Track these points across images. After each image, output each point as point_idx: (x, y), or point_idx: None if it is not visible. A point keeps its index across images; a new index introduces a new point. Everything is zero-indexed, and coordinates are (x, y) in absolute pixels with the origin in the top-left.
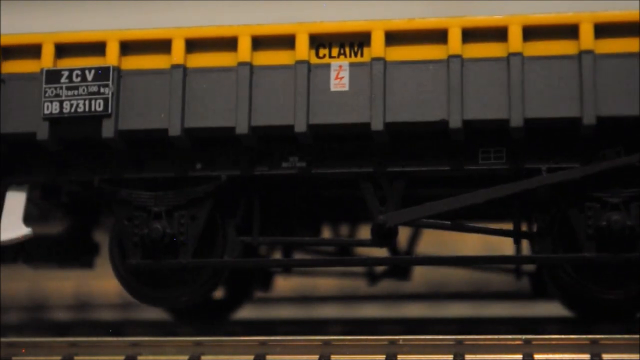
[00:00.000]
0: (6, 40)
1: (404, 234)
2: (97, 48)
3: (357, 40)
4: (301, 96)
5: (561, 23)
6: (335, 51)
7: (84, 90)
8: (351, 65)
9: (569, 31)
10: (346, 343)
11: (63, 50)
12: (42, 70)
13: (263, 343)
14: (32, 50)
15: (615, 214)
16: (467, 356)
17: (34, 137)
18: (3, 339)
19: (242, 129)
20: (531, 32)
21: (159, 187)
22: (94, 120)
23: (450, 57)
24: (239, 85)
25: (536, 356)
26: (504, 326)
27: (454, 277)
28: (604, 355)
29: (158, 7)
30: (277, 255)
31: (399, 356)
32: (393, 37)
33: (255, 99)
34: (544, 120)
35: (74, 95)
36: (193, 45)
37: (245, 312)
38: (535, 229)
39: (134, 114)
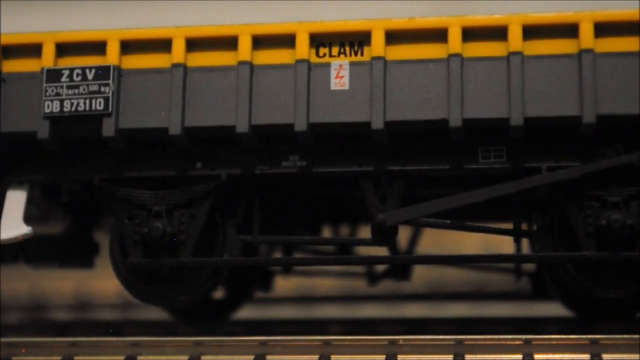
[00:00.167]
0: (7, 40)
1: (404, 234)
2: (98, 47)
3: (358, 40)
4: (301, 95)
5: (561, 22)
6: (335, 50)
7: (84, 89)
8: (351, 64)
9: (569, 30)
10: (346, 343)
11: (63, 49)
12: (42, 69)
13: (263, 343)
14: (33, 50)
15: (615, 213)
16: (467, 356)
17: (35, 136)
18: (3, 339)
19: (242, 127)
20: (531, 31)
21: (159, 186)
22: (94, 119)
23: (451, 56)
24: (239, 84)
25: (536, 356)
26: (504, 326)
27: (454, 278)
28: (604, 355)
29: (158, 7)
30: (277, 255)
31: (399, 356)
32: (393, 37)
33: (256, 98)
34: (544, 119)
35: (74, 94)
36: (193, 44)
37: (246, 312)
38: (535, 228)
39: (134, 113)
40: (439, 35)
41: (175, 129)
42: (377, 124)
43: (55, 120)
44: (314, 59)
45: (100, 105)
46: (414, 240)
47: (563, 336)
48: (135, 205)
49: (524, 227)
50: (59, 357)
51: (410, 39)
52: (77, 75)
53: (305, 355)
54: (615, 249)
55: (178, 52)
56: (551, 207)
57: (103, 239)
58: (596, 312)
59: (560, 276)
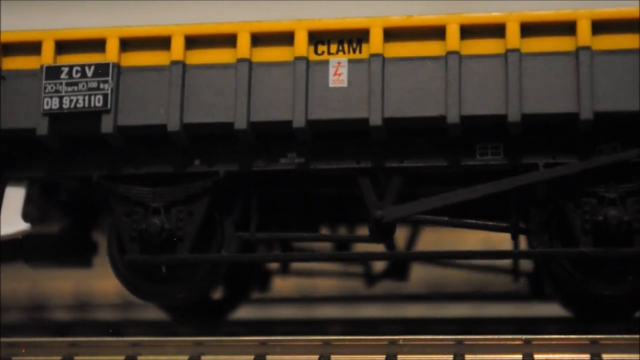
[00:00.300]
0: (6, 37)
1: (402, 235)
2: (97, 45)
3: (356, 37)
4: (300, 92)
5: (559, 20)
6: (334, 48)
7: (83, 86)
8: (350, 61)
9: (567, 28)
10: (346, 343)
11: (63, 47)
12: (42, 66)
13: (263, 343)
14: (33, 47)
15: (612, 209)
16: (467, 356)
17: (34, 133)
18: (3, 339)
19: (240, 124)
20: (529, 29)
21: (157, 183)
22: (93, 115)
23: (448, 53)
24: (238, 81)
25: (536, 356)
26: (504, 326)
27: (454, 278)
28: (604, 355)
29: (158, 7)
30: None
31: (399, 356)
32: (391, 34)
33: (254, 95)
34: (541, 116)
35: (73, 91)
36: (192, 42)
37: (245, 313)
38: (532, 224)
39: (133, 109)
40: (437, 32)
41: (173, 126)
42: (375, 120)
43: (55, 117)
44: (313, 57)
45: (99, 102)
46: (412, 240)
47: (563, 336)
48: (134, 202)
49: (522, 224)
50: (59, 357)
51: (409, 37)
52: (77, 72)
53: (305, 355)
54: (612, 245)
55: (177, 49)
56: (548, 204)
57: (103, 239)
58: (594, 311)
59: (558, 274)
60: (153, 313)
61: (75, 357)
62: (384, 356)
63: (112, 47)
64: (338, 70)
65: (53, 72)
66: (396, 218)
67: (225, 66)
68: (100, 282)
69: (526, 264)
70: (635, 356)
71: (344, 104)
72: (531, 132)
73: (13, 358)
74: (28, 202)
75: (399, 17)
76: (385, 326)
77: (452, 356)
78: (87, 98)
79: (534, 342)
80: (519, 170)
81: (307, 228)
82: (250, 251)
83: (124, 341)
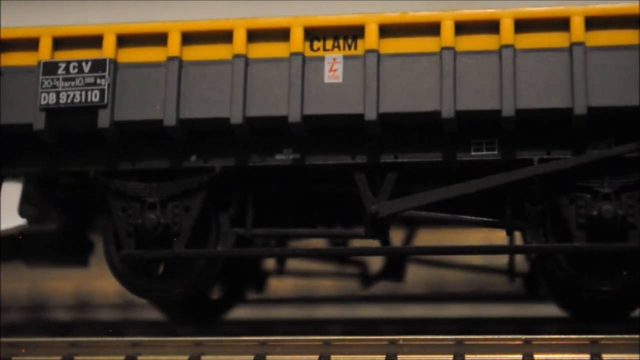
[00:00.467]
0: (4, 34)
1: (400, 234)
2: (94, 41)
3: (351, 33)
4: (295, 87)
5: (552, 16)
6: (329, 44)
7: (80, 81)
8: (345, 57)
9: (560, 24)
10: (346, 343)
11: (60, 43)
12: (39, 62)
13: (263, 343)
14: (30, 44)
15: (607, 204)
16: (467, 356)
17: (31, 128)
18: (3, 339)
19: (236, 119)
20: (523, 25)
21: (153, 179)
22: (90, 110)
23: (443, 49)
24: (234, 77)
25: (536, 356)
26: (504, 326)
27: (454, 279)
28: (604, 355)
29: (157, 7)
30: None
31: (399, 356)
32: (386, 30)
33: (250, 90)
34: (535, 111)
35: (70, 86)
36: (189, 38)
37: (245, 313)
38: (527, 220)
39: (129, 105)
40: (431, 29)
41: (170, 121)
42: (370, 115)
43: (51, 112)
44: (308, 53)
45: (95, 97)
46: (410, 240)
47: (563, 336)
48: (130, 197)
49: (517, 220)
50: (59, 357)
51: (404, 33)
52: (74, 67)
53: (305, 355)
54: (607, 240)
55: (174, 45)
56: (543, 199)
57: (101, 238)
58: (590, 308)
59: (553, 271)
60: (153, 313)
61: (75, 357)
62: (384, 356)
63: (109, 43)
64: (333, 66)
65: (50, 67)
66: (391, 213)
67: (221, 62)
68: (100, 282)
69: (525, 265)
70: (635, 356)
71: (340, 100)
72: (526, 128)
73: (13, 358)
74: (25, 200)
75: (394, 14)
76: (385, 326)
77: (452, 356)
78: (83, 93)
79: (534, 342)
80: (514, 165)
81: (303, 225)
82: (246, 247)
83: (124, 341)
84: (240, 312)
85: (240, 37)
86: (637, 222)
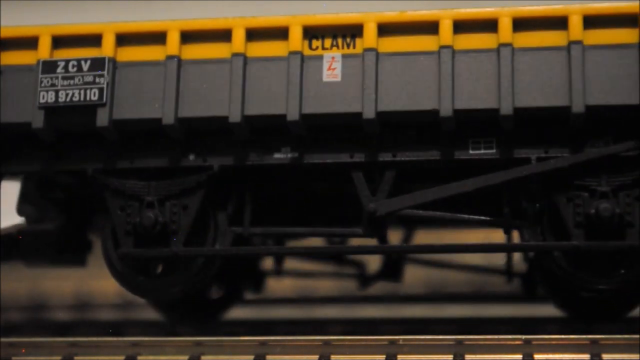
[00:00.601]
0: (4, 33)
1: (398, 234)
2: (94, 40)
3: (350, 32)
4: (294, 86)
5: (550, 15)
6: (328, 43)
7: (79, 80)
8: (344, 56)
9: (558, 23)
10: (346, 343)
11: (60, 42)
12: (38, 60)
13: (263, 343)
14: (30, 42)
15: (604, 202)
16: (467, 356)
17: (30, 126)
18: (3, 339)
19: (235, 118)
20: (521, 24)
21: (152, 177)
22: (88, 109)
23: (442, 48)
24: (232, 75)
25: (536, 356)
26: (504, 326)
27: (453, 279)
28: (604, 355)
29: (156, 6)
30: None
31: (399, 356)
32: (385, 29)
33: (249, 89)
34: (533, 110)
35: (69, 84)
36: (188, 37)
37: (245, 313)
38: (525, 218)
39: (128, 104)
40: (430, 27)
41: (168, 119)
42: (369, 114)
43: (50, 110)
44: (307, 51)
45: (94, 95)
46: (408, 240)
47: (563, 336)
48: (128, 195)
49: (515, 219)
50: (59, 357)
51: (402, 32)
52: (73, 66)
53: (305, 355)
54: (605, 239)
55: (172, 44)
56: (541, 197)
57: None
58: (588, 308)
59: (551, 269)
60: (153, 313)
61: (75, 357)
62: (384, 356)
63: (108, 42)
64: (332, 65)
65: (49, 66)
66: (389, 212)
67: (220, 61)
68: (100, 281)
69: (523, 265)
70: (635, 356)
71: (338, 98)
72: (524, 126)
73: (13, 358)
74: (24, 199)
75: (392, 13)
76: (384, 326)
77: (452, 356)
78: (82, 92)
79: (534, 342)
80: (512, 164)
81: (301, 223)
82: (244, 246)
83: (124, 341)
84: (239, 312)
85: (239, 36)
86: (635, 220)
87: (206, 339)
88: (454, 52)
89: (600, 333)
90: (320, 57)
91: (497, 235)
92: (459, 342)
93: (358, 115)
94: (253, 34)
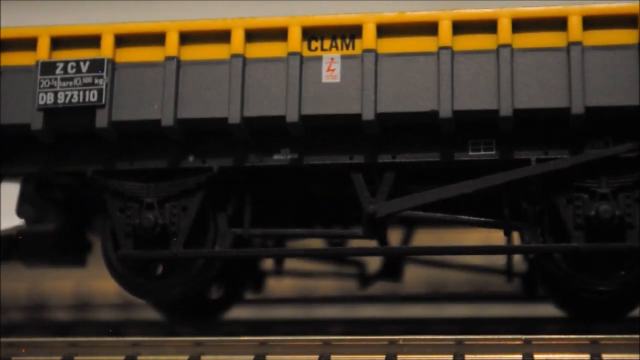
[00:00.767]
0: (3, 34)
1: (398, 235)
2: (92, 41)
3: (349, 33)
4: (293, 87)
5: (550, 16)
6: (327, 44)
7: (78, 81)
8: (343, 57)
9: (558, 23)
10: (346, 343)
11: (58, 43)
12: (37, 62)
13: (263, 343)
14: (29, 43)
15: (604, 204)
16: (467, 356)
17: (29, 128)
18: (3, 339)
19: (234, 119)
20: (520, 25)
21: (151, 179)
22: (87, 110)
23: (441, 49)
24: (232, 76)
25: (536, 356)
26: (504, 326)
27: (453, 279)
28: (604, 355)
29: (155, 7)
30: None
31: (399, 356)
32: (384, 30)
33: (248, 90)
34: (533, 111)
35: (68, 86)
36: (187, 38)
37: (245, 313)
38: (525, 220)
39: (127, 105)
40: (429, 28)
41: (167, 120)
42: (368, 115)
43: (49, 111)
44: (306, 52)
45: (93, 97)
46: (408, 241)
47: (563, 336)
48: (128, 197)
49: (515, 220)
50: (59, 357)
51: (401, 33)
52: (72, 67)
53: (305, 355)
54: (605, 240)
55: (171, 45)
56: (541, 199)
57: (99, 238)
58: (588, 309)
59: (551, 271)
60: (153, 313)
61: (75, 357)
62: (384, 356)
63: (107, 43)
64: (331, 65)
65: (48, 67)
66: (389, 213)
67: (219, 62)
68: (100, 282)
69: (524, 265)
70: (635, 356)
71: (337, 99)
72: (523, 128)
73: (13, 358)
74: (23, 200)
75: (391, 14)
76: (384, 326)
77: (452, 356)
78: (81, 93)
79: (534, 342)
80: (512, 165)
81: (301, 225)
82: (244, 247)
83: (124, 341)
84: (239, 312)
85: (238, 37)
86: (635, 222)
87: (206, 339)
88: (453, 53)
89: (600, 333)
90: (320, 58)
91: (497, 236)
92: (459, 342)
93: (357, 116)
94: (252, 35)
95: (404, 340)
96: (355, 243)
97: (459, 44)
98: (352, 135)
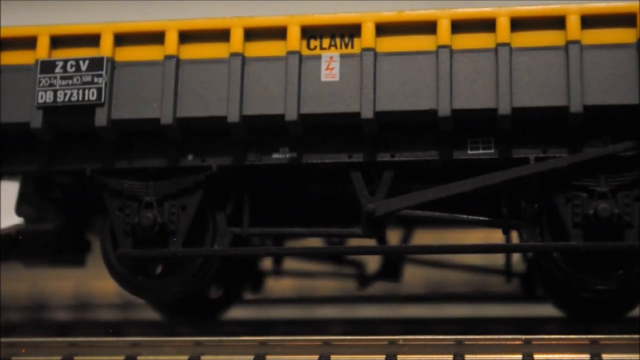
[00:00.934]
0: (2, 33)
1: (397, 234)
2: (92, 40)
3: (348, 32)
4: (292, 86)
5: (548, 14)
6: (326, 42)
7: (77, 80)
8: (342, 56)
9: (556, 22)
10: (346, 343)
11: (58, 42)
12: (37, 60)
13: (263, 343)
14: (28, 42)
15: (603, 203)
16: (467, 356)
17: (28, 127)
18: (3, 339)
19: (233, 118)
20: (519, 24)
21: (150, 177)
22: (87, 109)
23: (440, 48)
24: (231, 75)
25: (536, 356)
26: (504, 326)
27: (453, 279)
28: (604, 355)
29: (154, 6)
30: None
31: (399, 356)
32: (383, 29)
33: (247, 89)
34: (531, 110)
35: (67, 84)
36: (186, 37)
37: (245, 313)
38: (523, 219)
39: (126, 104)
40: (428, 27)
41: (167, 119)
42: (367, 114)
43: (49, 110)
44: (305, 51)
45: (93, 95)
46: (407, 240)
47: (563, 336)
48: (126, 196)
49: (514, 219)
50: (59, 357)
51: (400, 32)
52: (71, 66)
53: (305, 355)
54: (603, 239)
55: (171, 44)
56: (540, 198)
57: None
58: (587, 308)
59: (549, 270)
60: (153, 313)
61: (75, 357)
62: (384, 356)
63: (107, 42)
64: (330, 64)
65: (48, 66)
66: (388, 212)
67: (218, 61)
68: (99, 281)
69: (523, 265)
70: (635, 356)
71: (336, 98)
72: (522, 126)
73: (13, 358)
74: (22, 199)
75: (390, 13)
76: (384, 326)
77: (452, 356)
78: (81, 92)
79: (534, 342)
80: (510, 164)
81: (300, 224)
82: (243, 246)
83: (124, 341)
84: (239, 312)
85: (237, 36)
86: (633, 220)
87: (206, 339)
88: (452, 52)
89: (600, 333)
90: (319, 57)
91: (496, 236)
92: (459, 342)
93: (356, 115)
94: (251, 34)
95: (404, 340)
96: (354, 242)
97: (458, 42)
98: (351, 134)
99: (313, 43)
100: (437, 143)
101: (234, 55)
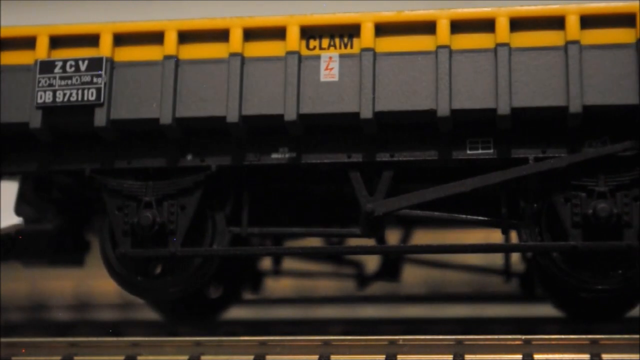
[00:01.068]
0: (2, 33)
1: (396, 235)
2: (91, 40)
3: (347, 32)
4: (291, 86)
5: (548, 15)
6: (325, 43)
7: (77, 80)
8: (341, 56)
9: (556, 22)
10: (346, 343)
11: (57, 42)
12: (36, 60)
13: (263, 343)
14: (28, 42)
15: (602, 202)
16: (467, 356)
17: (27, 127)
18: (3, 339)
19: (232, 118)
20: (518, 24)
21: (149, 178)
22: (86, 109)
23: (439, 48)
24: (230, 75)
25: (536, 356)
26: (504, 326)
27: (453, 279)
28: (604, 355)
29: (154, 6)
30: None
31: (399, 356)
32: (382, 29)
33: (246, 89)
34: (531, 110)
35: (67, 85)
36: (185, 37)
37: (245, 313)
38: (523, 219)
39: (126, 103)
40: (427, 27)
41: (166, 119)
42: (366, 114)
43: (48, 110)
44: (305, 51)
45: (92, 95)
46: (406, 240)
47: (563, 336)
48: (126, 196)
49: (512, 218)
50: (59, 357)
51: (399, 32)
52: (70, 66)
53: (305, 355)
54: (602, 239)
55: (170, 44)
56: (539, 197)
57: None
58: (587, 308)
59: (548, 270)
60: (153, 313)
61: (75, 357)
62: (384, 356)
63: (106, 42)
64: (329, 64)
65: (47, 66)
66: (387, 212)
67: (218, 61)
68: (99, 281)
69: (522, 265)
70: (635, 356)
71: (335, 98)
72: (521, 127)
73: (13, 358)
74: (21, 199)
75: (389, 13)
76: (384, 326)
77: (452, 356)
78: (80, 92)
79: (534, 342)
80: (509, 164)
81: (299, 224)
82: (242, 246)
83: (124, 341)
84: (238, 312)
85: (236, 36)
86: (632, 220)
87: (206, 339)
88: (451, 52)
89: (600, 333)
90: (318, 57)
91: (495, 236)
92: (459, 342)
93: (355, 115)
94: (250, 34)
95: (404, 340)
96: (353, 242)
97: (457, 43)
98: (350, 134)
99: (312, 43)
100: (437, 143)
101: (233, 55)
